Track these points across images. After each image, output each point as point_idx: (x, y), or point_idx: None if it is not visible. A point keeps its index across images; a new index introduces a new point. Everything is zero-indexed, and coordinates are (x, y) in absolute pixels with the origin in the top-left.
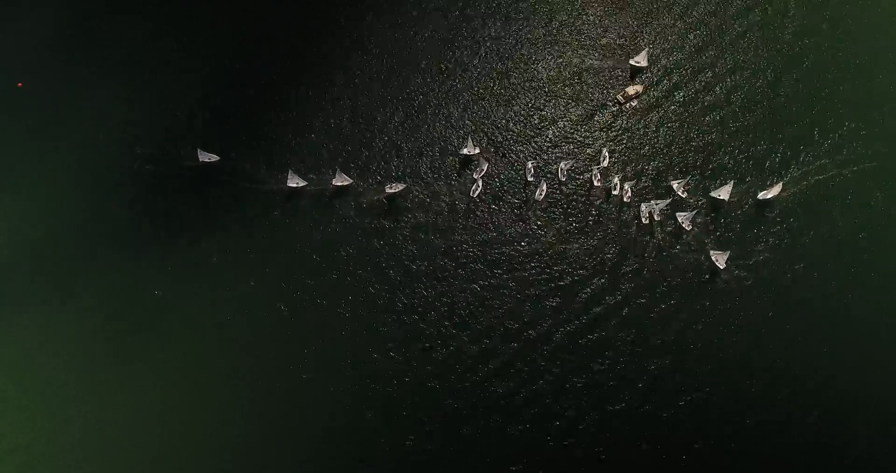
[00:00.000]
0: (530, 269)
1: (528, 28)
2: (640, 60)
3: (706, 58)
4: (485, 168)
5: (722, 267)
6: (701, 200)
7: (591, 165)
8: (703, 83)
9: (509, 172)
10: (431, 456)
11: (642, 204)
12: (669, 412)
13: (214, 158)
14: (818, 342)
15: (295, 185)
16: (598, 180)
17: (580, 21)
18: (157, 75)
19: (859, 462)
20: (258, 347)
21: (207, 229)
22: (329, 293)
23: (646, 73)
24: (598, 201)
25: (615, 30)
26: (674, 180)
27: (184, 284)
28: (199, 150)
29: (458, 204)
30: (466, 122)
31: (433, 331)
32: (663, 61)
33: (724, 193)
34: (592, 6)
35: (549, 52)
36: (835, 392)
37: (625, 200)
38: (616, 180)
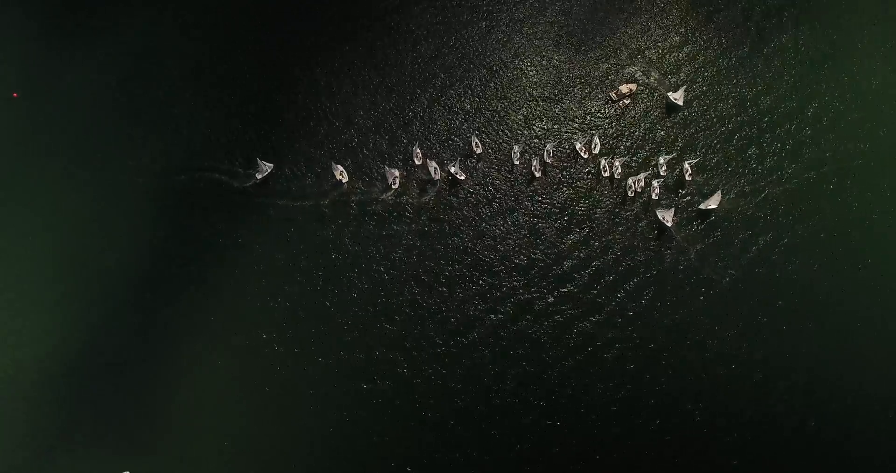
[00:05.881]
0: (528, 258)
1: (526, 28)
2: (678, 98)
3: (687, 54)
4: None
5: (669, 225)
6: (686, 198)
7: (574, 140)
8: (689, 78)
9: (501, 158)
10: (425, 454)
11: (629, 179)
12: (664, 407)
13: (270, 166)
14: (808, 337)
15: (339, 178)
16: (584, 152)
17: (573, 21)
18: (162, 87)
19: (854, 458)
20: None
21: (261, 243)
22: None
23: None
24: (588, 183)
25: (608, 30)
26: (661, 157)
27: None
28: (258, 159)
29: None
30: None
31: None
32: (651, 57)
33: (712, 202)
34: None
35: (546, 50)
36: (830, 389)
37: (615, 176)
38: (604, 161)
